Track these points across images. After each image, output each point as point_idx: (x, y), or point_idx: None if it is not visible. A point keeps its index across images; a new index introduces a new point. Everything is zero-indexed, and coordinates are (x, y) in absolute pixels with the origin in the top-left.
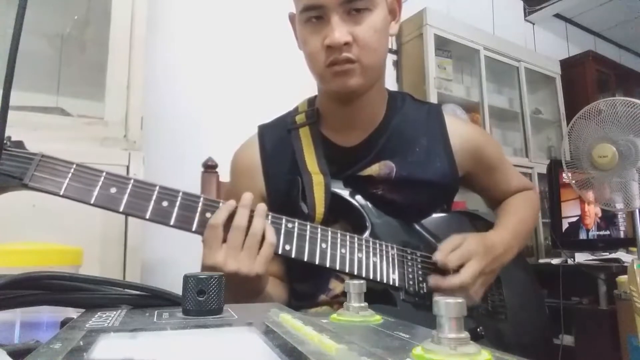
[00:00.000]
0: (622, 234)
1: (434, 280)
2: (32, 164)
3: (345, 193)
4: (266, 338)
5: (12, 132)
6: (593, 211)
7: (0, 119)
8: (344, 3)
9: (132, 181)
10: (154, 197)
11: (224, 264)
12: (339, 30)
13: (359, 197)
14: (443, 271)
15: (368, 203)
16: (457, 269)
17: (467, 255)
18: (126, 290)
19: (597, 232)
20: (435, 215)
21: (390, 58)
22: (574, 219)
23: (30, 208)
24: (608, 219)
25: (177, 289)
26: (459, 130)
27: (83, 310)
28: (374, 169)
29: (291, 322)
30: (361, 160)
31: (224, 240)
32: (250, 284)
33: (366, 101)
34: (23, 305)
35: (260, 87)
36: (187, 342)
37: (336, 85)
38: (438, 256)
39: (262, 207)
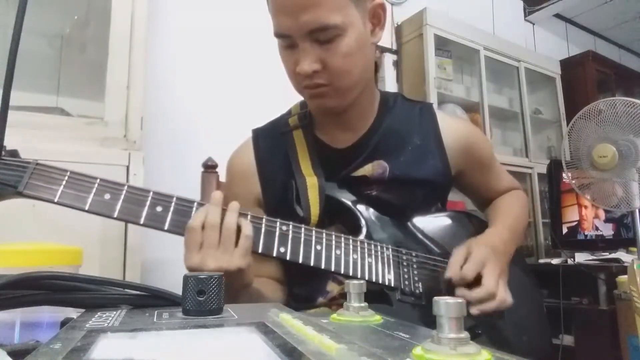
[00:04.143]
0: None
1: (461, 292)
2: (27, 171)
3: (339, 194)
4: (266, 338)
5: (12, 132)
6: (591, 215)
7: (0, 119)
8: (309, 33)
9: (126, 187)
10: (148, 202)
11: (202, 264)
12: (307, 60)
13: (353, 198)
14: (460, 285)
15: (362, 204)
16: (477, 280)
17: (480, 264)
18: (126, 290)
19: (595, 232)
20: (432, 215)
21: (390, 58)
22: (573, 224)
23: (30, 208)
24: (617, 219)
25: (177, 289)
26: (451, 127)
27: (83, 310)
28: (368, 169)
29: (291, 322)
30: (354, 161)
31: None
32: (234, 279)
33: (355, 107)
34: (23, 305)
35: (260, 87)
36: (187, 342)
37: (313, 105)
38: (451, 273)
39: (234, 203)
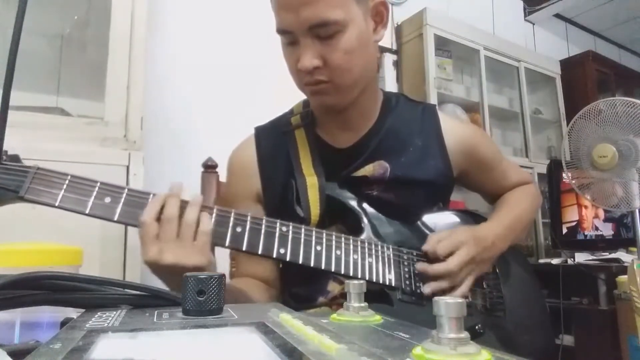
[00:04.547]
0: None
1: (421, 266)
2: (28, 176)
3: (340, 194)
4: (266, 338)
5: (12, 132)
6: (591, 215)
7: (0, 119)
8: (310, 28)
9: (126, 190)
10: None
11: (159, 258)
12: (307, 56)
13: (354, 198)
14: (432, 260)
15: (363, 204)
16: (446, 258)
17: (455, 244)
18: (126, 290)
19: (595, 232)
20: (435, 215)
21: (390, 58)
22: (573, 224)
23: (30, 208)
24: (616, 219)
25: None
26: (453, 129)
27: (83, 310)
28: (369, 170)
29: (291, 322)
30: (355, 161)
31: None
32: None
33: (357, 106)
34: (23, 305)
35: (260, 86)
36: (187, 342)
37: (314, 102)
38: (426, 246)
39: (197, 197)
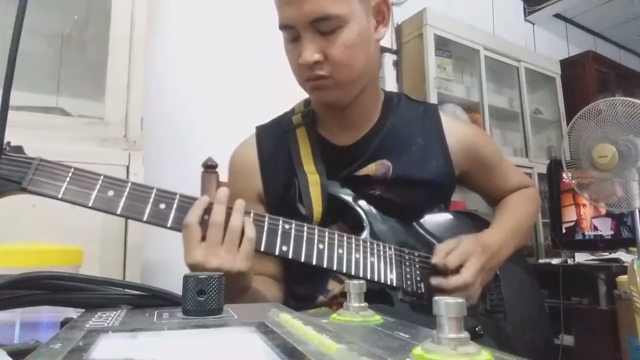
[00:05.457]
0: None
1: (436, 281)
2: (31, 168)
3: (342, 193)
4: (266, 338)
5: (12, 132)
6: (589, 214)
7: (0, 119)
8: (311, 23)
9: (129, 184)
10: (151, 199)
11: (204, 261)
12: (308, 50)
13: (356, 197)
14: (442, 273)
15: (365, 203)
16: (457, 270)
17: (465, 255)
18: (126, 290)
19: (594, 232)
20: (434, 215)
21: (390, 58)
22: (571, 224)
23: (30, 208)
24: (616, 216)
25: (177, 289)
26: (455, 129)
27: (83, 310)
28: (371, 169)
29: (291, 322)
30: (357, 160)
31: (204, 238)
32: (234, 281)
33: (358, 105)
34: (23, 305)
35: (260, 86)
36: (187, 342)
37: (315, 98)
38: (436, 259)
39: (240, 202)
